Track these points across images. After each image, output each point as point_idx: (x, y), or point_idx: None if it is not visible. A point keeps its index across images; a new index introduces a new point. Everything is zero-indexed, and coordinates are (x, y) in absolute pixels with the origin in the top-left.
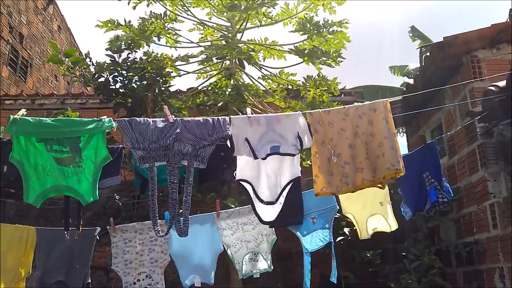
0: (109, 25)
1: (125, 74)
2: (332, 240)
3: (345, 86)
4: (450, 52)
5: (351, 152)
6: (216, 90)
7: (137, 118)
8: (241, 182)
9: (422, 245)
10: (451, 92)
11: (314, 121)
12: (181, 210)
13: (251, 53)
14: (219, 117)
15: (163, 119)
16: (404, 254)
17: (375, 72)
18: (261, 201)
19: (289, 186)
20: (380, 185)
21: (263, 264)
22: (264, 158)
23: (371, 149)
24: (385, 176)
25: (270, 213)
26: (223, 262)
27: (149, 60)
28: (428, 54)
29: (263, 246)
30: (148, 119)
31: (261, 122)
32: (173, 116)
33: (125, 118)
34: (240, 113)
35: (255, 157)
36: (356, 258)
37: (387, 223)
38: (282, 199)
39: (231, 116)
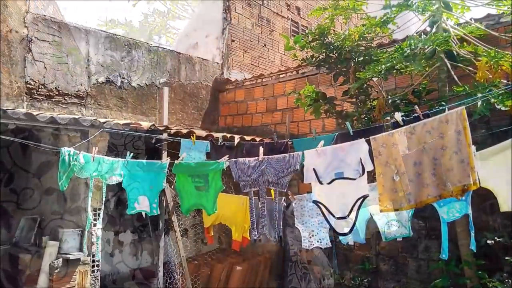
0: None
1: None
2: (469, 212)
3: None
4: None
5: (416, 170)
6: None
7: (240, 159)
8: (315, 202)
9: None
10: None
11: (378, 145)
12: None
13: None
14: (294, 153)
15: (256, 158)
16: None
17: None
18: (334, 216)
19: (358, 202)
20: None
21: (403, 230)
22: (329, 183)
23: (442, 162)
24: (454, 191)
25: (343, 226)
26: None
27: (340, 39)
28: None
29: (403, 215)
30: (246, 159)
31: (327, 153)
32: (262, 155)
33: (232, 160)
34: (449, 59)
35: (320, 183)
36: None
37: None
38: (354, 214)
39: (305, 151)
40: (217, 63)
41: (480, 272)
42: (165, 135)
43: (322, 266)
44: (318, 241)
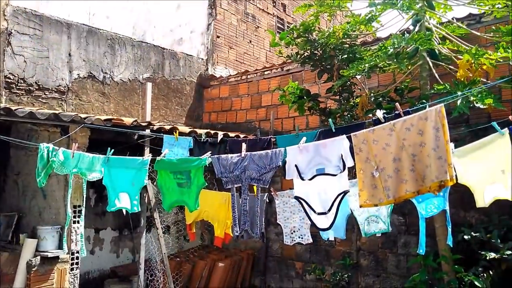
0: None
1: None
2: (447, 208)
3: None
4: None
5: (396, 166)
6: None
7: (223, 156)
8: (297, 198)
9: None
10: None
11: (358, 141)
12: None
13: None
14: (276, 150)
15: (239, 154)
16: None
17: None
18: (314, 212)
19: (339, 198)
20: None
21: (382, 225)
22: (310, 179)
23: (420, 159)
24: (431, 186)
25: (324, 221)
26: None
27: (324, 36)
28: None
29: (382, 211)
30: (228, 155)
31: (309, 149)
32: (244, 152)
33: (215, 156)
34: (431, 58)
35: (302, 179)
36: None
37: (508, 192)
38: (334, 210)
39: (287, 147)
40: (202, 59)
41: (456, 266)
42: (147, 131)
43: (304, 261)
44: (299, 237)
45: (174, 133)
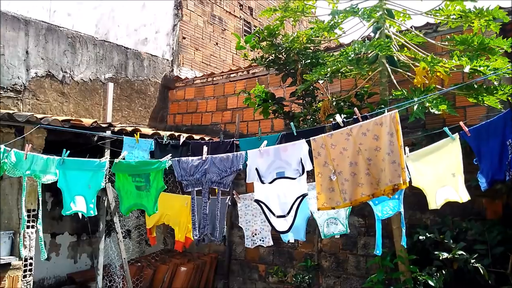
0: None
1: (282, 54)
2: (401, 210)
3: None
4: None
5: (352, 169)
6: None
7: (183, 158)
8: (257, 201)
9: None
10: None
11: (317, 146)
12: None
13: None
14: (237, 153)
15: (199, 157)
16: None
17: None
18: (274, 215)
19: (298, 201)
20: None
21: (341, 227)
22: (271, 183)
23: (375, 163)
24: (385, 190)
25: (283, 224)
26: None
27: (288, 41)
28: None
29: (341, 214)
30: (189, 158)
31: (270, 152)
32: (205, 155)
33: (175, 159)
34: (390, 64)
35: (262, 183)
36: None
37: (458, 194)
38: (293, 213)
39: (248, 151)
40: (167, 60)
41: (412, 266)
42: (108, 133)
43: (267, 264)
44: (260, 240)
45: (135, 134)
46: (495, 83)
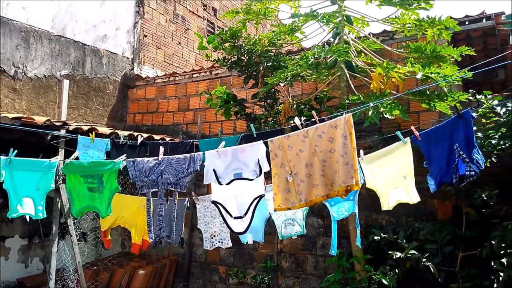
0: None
1: (244, 56)
2: (356, 211)
3: (484, 11)
4: None
5: (308, 171)
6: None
7: (138, 159)
8: (214, 202)
9: None
10: None
11: (274, 147)
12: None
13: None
14: (194, 154)
15: (155, 158)
16: None
17: None
18: (231, 216)
19: (255, 202)
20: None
21: (298, 228)
22: (228, 184)
23: (330, 165)
24: (339, 191)
25: (239, 225)
26: None
27: (250, 43)
28: None
29: (298, 215)
30: (144, 159)
31: (228, 154)
32: (162, 155)
33: (130, 159)
34: (348, 69)
35: (220, 184)
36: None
37: (409, 196)
38: (250, 214)
39: (206, 152)
40: (127, 57)
41: (367, 266)
42: (62, 132)
43: (228, 265)
44: (219, 242)
45: (90, 134)
46: (445, 89)
